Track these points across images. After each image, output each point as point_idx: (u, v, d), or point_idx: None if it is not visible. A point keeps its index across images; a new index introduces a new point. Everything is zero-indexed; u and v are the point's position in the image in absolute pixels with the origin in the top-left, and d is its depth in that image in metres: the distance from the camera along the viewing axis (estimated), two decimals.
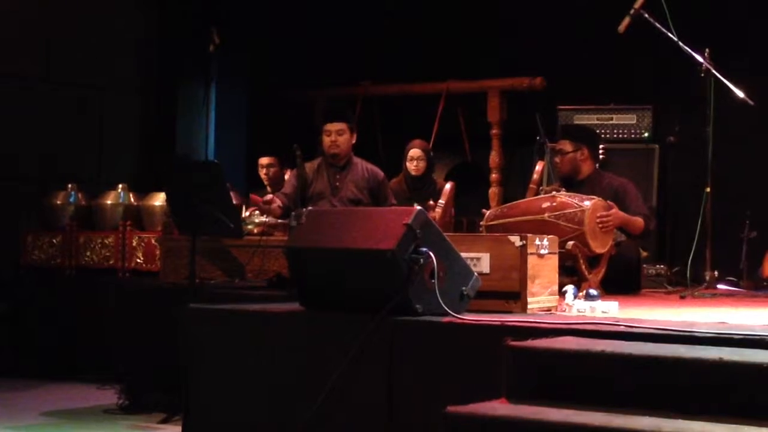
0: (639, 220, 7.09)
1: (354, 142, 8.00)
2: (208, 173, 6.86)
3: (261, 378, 5.27)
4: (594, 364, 4.03)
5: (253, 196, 8.06)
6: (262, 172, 9.37)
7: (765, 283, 7.73)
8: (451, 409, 4.01)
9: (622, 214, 6.87)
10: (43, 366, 8.33)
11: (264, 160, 9.37)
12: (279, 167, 9.29)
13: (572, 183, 7.30)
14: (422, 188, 8.60)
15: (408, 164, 8.66)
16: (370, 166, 8.05)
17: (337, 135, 7.88)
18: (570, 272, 6.43)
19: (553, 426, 3.77)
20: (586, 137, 7.56)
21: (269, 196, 7.78)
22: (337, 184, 7.92)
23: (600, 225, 6.53)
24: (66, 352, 8.32)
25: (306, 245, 5.32)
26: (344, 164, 7.95)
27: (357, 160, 8.05)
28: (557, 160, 7.43)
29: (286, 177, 8.72)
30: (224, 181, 6.83)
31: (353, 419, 4.92)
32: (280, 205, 7.61)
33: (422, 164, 8.64)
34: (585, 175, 7.39)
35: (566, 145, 7.41)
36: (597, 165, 7.55)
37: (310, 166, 7.95)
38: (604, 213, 6.60)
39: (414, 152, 8.67)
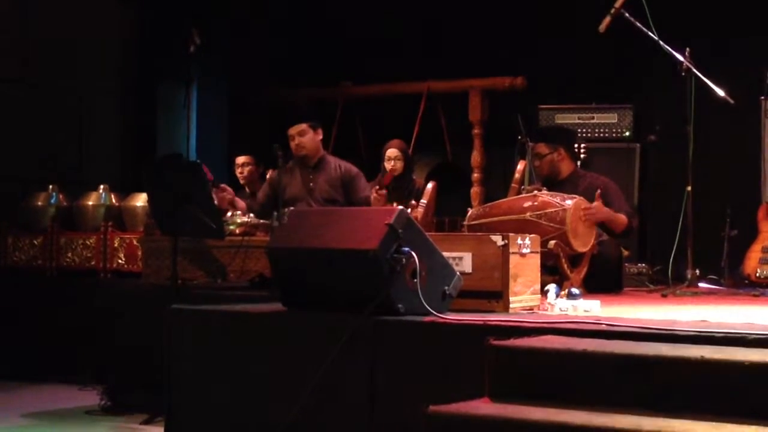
0: (622, 217, 7.11)
1: (320, 138, 8.02)
2: (190, 174, 6.84)
3: (243, 378, 5.26)
4: (576, 362, 4.03)
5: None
6: (238, 171, 9.36)
7: (746, 281, 7.75)
8: (433, 408, 4.01)
9: (605, 208, 6.90)
10: (23, 367, 8.29)
11: (240, 159, 9.36)
12: (255, 166, 9.28)
13: (553, 183, 7.31)
14: (401, 188, 8.59)
15: (385, 164, 8.65)
16: (344, 163, 8.06)
17: (299, 136, 7.91)
18: (552, 271, 6.44)
19: (536, 425, 3.78)
20: (560, 138, 7.59)
21: (223, 185, 7.82)
22: (311, 184, 7.93)
23: (584, 217, 6.56)
24: (47, 353, 8.29)
25: (288, 245, 5.32)
26: (316, 164, 7.96)
27: (330, 158, 8.06)
28: (536, 163, 7.45)
29: (268, 176, 8.72)
30: (206, 181, 6.81)
31: (335, 419, 4.92)
32: (231, 199, 7.66)
33: (399, 164, 8.63)
34: (565, 175, 7.40)
35: (542, 148, 7.43)
36: (578, 163, 7.56)
37: (287, 169, 7.95)
38: (588, 205, 6.63)
39: (391, 152, 8.66)
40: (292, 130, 7.94)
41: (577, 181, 7.33)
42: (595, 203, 6.74)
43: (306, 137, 7.91)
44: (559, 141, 7.48)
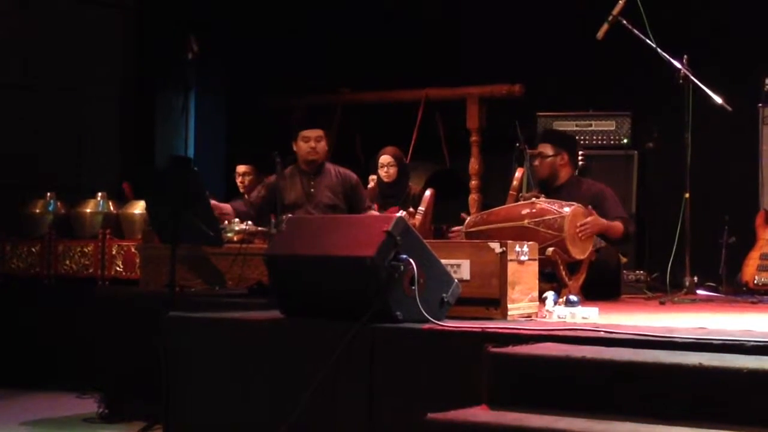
0: (618, 225, 7.09)
1: (327, 149, 8.02)
2: (188, 181, 6.84)
3: (241, 386, 5.26)
4: (574, 370, 4.03)
5: None
6: (238, 180, 9.35)
7: (744, 289, 7.75)
8: (431, 416, 4.01)
9: (601, 220, 6.87)
10: (21, 375, 8.27)
11: (241, 168, 9.36)
12: (255, 175, 9.28)
13: (550, 188, 7.31)
14: (395, 195, 8.59)
15: (379, 171, 8.65)
16: (342, 169, 8.05)
17: (316, 142, 7.88)
18: (550, 278, 6.44)
19: None
20: (566, 143, 7.59)
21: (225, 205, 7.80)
22: (312, 190, 7.92)
23: (579, 233, 6.55)
24: (45, 361, 8.27)
25: (286, 253, 5.32)
26: (316, 170, 7.95)
27: (329, 165, 8.05)
28: (536, 163, 7.45)
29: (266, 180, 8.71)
30: (203, 189, 6.81)
31: (333, 426, 4.91)
32: (228, 213, 7.66)
33: (393, 170, 8.62)
34: (563, 181, 7.41)
35: (547, 149, 7.44)
36: (576, 172, 7.56)
37: (286, 175, 7.94)
38: (583, 221, 6.61)
39: (384, 159, 8.66)
40: (311, 133, 7.88)
41: (575, 188, 7.33)
42: (590, 217, 6.72)
43: (321, 144, 7.90)
44: (565, 146, 7.49)
